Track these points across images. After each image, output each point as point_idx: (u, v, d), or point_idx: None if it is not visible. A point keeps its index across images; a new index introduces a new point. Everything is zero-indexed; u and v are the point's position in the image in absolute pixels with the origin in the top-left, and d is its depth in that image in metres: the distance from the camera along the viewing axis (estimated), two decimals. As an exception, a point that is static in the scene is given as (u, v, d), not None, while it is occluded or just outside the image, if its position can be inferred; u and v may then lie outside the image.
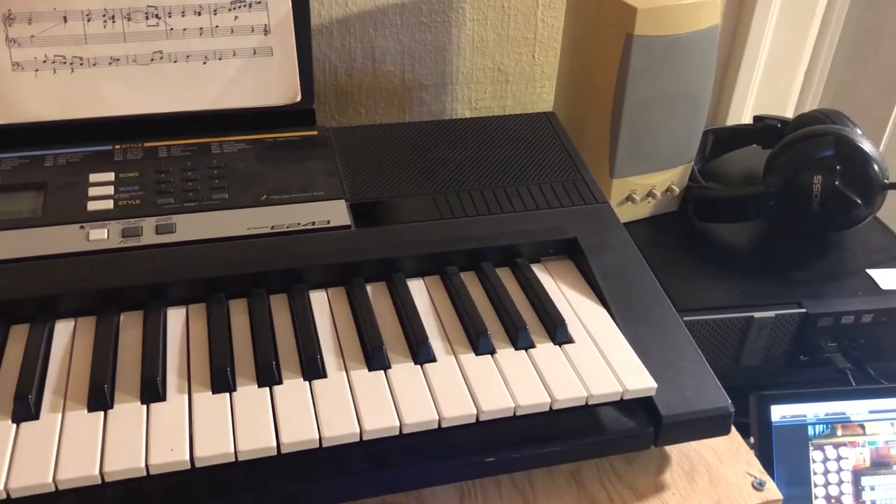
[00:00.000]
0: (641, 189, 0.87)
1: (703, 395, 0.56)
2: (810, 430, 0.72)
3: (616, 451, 0.57)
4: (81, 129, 0.70)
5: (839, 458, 0.72)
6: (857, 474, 0.72)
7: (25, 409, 0.51)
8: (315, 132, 0.74)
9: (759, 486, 0.57)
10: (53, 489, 0.47)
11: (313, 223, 0.65)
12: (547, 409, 0.54)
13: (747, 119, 1.16)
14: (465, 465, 0.53)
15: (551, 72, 1.07)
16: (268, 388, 0.53)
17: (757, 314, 0.77)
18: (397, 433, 0.51)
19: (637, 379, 0.55)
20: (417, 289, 0.63)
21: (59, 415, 0.51)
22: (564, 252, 0.67)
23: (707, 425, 0.56)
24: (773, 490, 0.57)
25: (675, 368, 0.57)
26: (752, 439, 0.71)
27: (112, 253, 0.61)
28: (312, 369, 0.55)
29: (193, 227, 0.63)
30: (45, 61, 0.70)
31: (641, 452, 0.59)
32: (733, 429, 0.58)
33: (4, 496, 0.47)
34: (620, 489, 0.57)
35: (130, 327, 0.58)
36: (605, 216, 0.69)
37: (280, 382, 0.54)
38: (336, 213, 0.66)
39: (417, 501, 0.56)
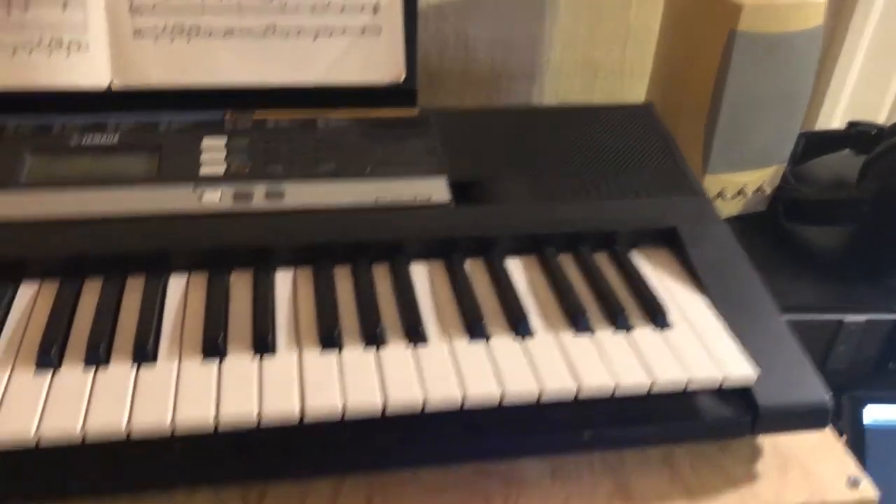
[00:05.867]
0: (733, 187, 0.87)
1: (801, 388, 0.56)
2: (902, 436, 0.71)
3: (712, 437, 0.57)
4: (195, 97, 0.73)
5: (929, 467, 0.71)
6: (946, 485, 0.71)
7: (144, 355, 0.53)
8: (416, 111, 0.76)
9: (853, 484, 0.57)
10: (170, 433, 0.49)
11: (415, 198, 0.66)
12: (645, 391, 0.54)
13: (836, 124, 1.14)
14: (560, 440, 0.54)
15: (641, 67, 1.07)
16: (373, 351, 0.55)
17: (847, 318, 0.76)
18: (497, 402, 0.52)
19: (737, 367, 0.55)
20: (514, 267, 0.64)
21: (176, 362, 0.53)
22: (662, 241, 0.67)
23: (804, 418, 0.56)
24: (867, 488, 0.57)
25: (774, 359, 0.57)
26: (844, 440, 0.70)
27: (224, 215, 0.63)
28: (415, 335, 0.56)
29: (301, 194, 0.65)
30: (164, 30, 0.73)
31: (734, 442, 0.59)
32: (828, 426, 0.58)
33: (125, 436, 0.49)
34: (713, 476, 0.57)
35: (240, 286, 0.60)
36: (703, 208, 0.69)
37: (384, 345, 0.55)
38: (436, 190, 0.67)
39: (510, 472, 0.57)
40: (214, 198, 0.64)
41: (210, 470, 0.51)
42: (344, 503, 0.54)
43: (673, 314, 0.59)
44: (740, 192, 0.87)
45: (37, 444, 0.48)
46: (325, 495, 0.54)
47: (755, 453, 0.59)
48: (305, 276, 0.61)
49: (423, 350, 0.55)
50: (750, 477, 0.57)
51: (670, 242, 0.67)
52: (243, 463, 0.51)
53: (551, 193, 0.68)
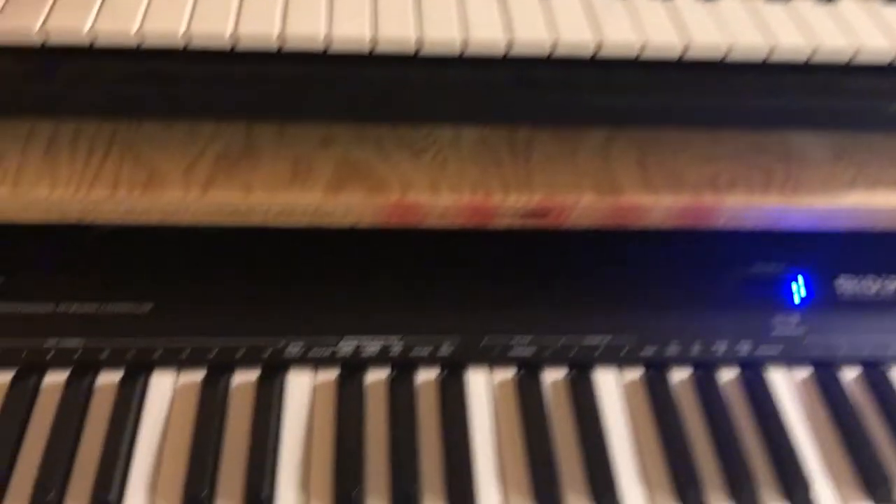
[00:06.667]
0: None
1: None
2: None
3: None
4: None
5: None
6: None
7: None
8: None
9: None
10: (460, 53, 0.46)
11: None
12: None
13: None
14: (864, 111, 0.50)
15: None
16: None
17: None
18: (806, 58, 0.47)
19: None
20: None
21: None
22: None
23: None
24: None
25: None
26: None
27: None
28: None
29: None
30: None
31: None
32: None
33: (413, 51, 0.46)
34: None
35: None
36: None
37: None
38: None
39: (788, 150, 0.53)
40: None
41: (484, 104, 0.49)
42: (614, 160, 0.52)
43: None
44: None
45: (325, 50, 0.46)
46: (595, 150, 0.52)
47: None
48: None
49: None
50: None
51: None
52: (521, 98, 0.48)
53: None
